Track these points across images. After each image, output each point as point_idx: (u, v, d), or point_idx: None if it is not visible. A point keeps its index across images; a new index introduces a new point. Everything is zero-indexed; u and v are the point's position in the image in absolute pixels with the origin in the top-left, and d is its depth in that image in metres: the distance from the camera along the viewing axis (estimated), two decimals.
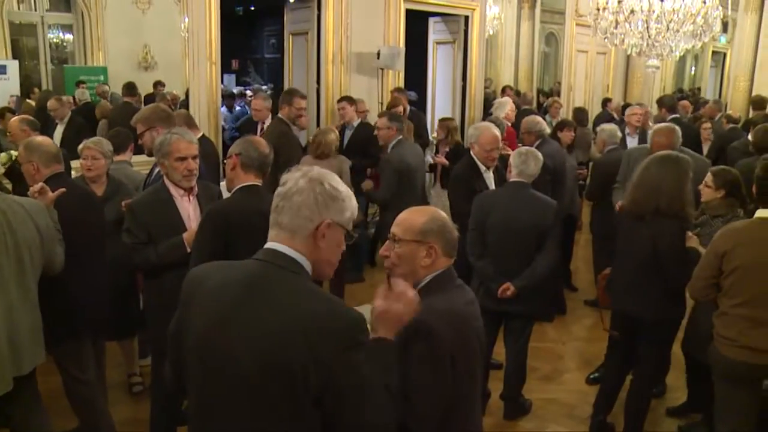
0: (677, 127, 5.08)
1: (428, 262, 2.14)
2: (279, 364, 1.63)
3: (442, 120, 7.27)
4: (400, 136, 5.83)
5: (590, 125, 9.51)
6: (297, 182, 1.80)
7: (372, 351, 1.79)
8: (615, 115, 10.48)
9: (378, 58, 8.25)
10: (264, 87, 16.18)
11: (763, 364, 3.19)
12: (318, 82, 8.20)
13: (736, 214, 3.92)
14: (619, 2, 7.78)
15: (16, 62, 10.59)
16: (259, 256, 1.80)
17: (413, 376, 1.95)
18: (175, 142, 3.45)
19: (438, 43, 10.46)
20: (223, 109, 9.59)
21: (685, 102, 11.16)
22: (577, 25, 12.69)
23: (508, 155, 4.63)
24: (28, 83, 11.06)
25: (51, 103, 7.78)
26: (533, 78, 14.55)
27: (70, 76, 11.13)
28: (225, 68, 10.34)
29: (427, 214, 2.20)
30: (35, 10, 11.84)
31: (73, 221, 3.43)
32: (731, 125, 8.95)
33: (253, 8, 17.52)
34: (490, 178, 4.96)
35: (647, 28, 7.78)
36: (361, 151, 6.74)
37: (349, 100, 7.23)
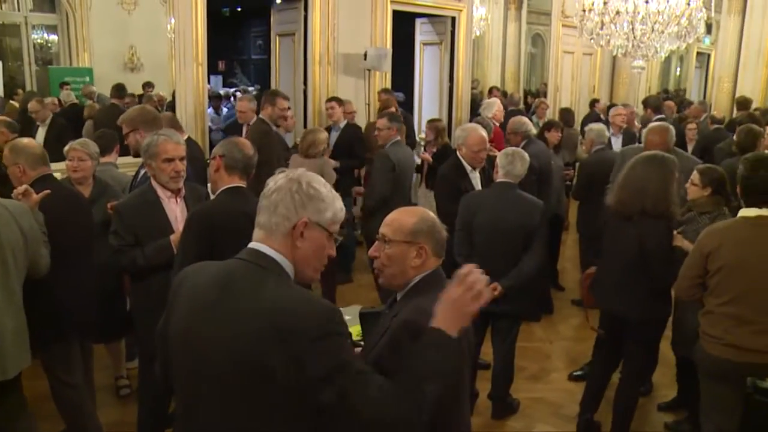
0: (671, 127, 5.14)
1: (418, 262, 2.14)
2: (253, 363, 1.62)
3: (430, 121, 7.29)
4: (398, 137, 5.84)
5: (577, 126, 9.57)
6: (277, 182, 1.82)
7: (424, 342, 1.75)
8: (602, 116, 10.55)
9: (365, 59, 8.25)
10: (251, 88, 16.13)
11: (748, 362, 3.22)
12: (305, 84, 8.19)
13: (722, 211, 3.96)
14: (605, 4, 7.84)
15: (0, 63, 10.50)
16: (240, 256, 1.80)
17: None
18: (163, 143, 3.43)
19: (425, 44, 10.48)
20: (210, 111, 9.56)
21: (669, 102, 11.25)
22: (564, 26, 12.73)
23: (495, 156, 4.65)
24: (12, 85, 10.95)
25: (32, 105, 7.67)
26: (520, 79, 14.60)
27: (55, 77, 11.04)
28: (211, 69, 10.32)
29: (416, 215, 2.20)
30: (18, 10, 11.73)
31: (61, 223, 3.41)
32: (716, 126, 9.04)
33: (239, 9, 17.49)
34: (476, 178, 4.98)
35: (632, 29, 7.85)
36: (347, 152, 6.75)
37: (338, 100, 7.25)
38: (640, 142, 7.14)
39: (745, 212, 3.27)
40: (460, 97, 10.10)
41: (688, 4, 7.78)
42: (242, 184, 3.24)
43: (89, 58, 11.73)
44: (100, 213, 3.93)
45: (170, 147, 3.44)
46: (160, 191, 3.49)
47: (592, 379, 4.33)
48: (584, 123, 9.58)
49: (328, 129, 7.00)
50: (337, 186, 3.94)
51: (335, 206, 1.86)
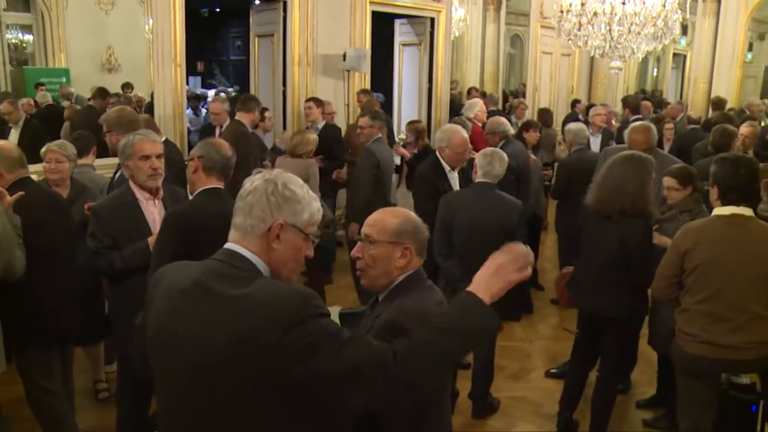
0: (653, 125, 5.30)
1: (403, 263, 2.15)
2: (234, 362, 1.62)
3: (410, 123, 7.31)
4: (380, 134, 5.84)
5: (557, 126, 9.63)
6: (253, 183, 1.81)
7: (453, 304, 1.82)
8: (580, 116, 10.64)
9: (344, 60, 8.25)
10: (230, 89, 16.07)
11: (723, 359, 3.27)
12: (284, 85, 8.17)
13: (701, 209, 4.01)
14: (583, 5, 7.92)
15: None
16: (216, 257, 1.80)
17: None
18: (138, 142, 3.41)
19: (404, 44, 10.50)
20: (189, 112, 9.50)
21: (646, 102, 11.36)
22: (542, 27, 12.83)
23: (473, 157, 4.67)
24: None
25: (4, 107, 7.54)
26: (499, 79, 14.65)
27: (31, 77, 10.89)
28: (190, 70, 10.25)
29: (400, 215, 2.20)
30: None
31: (40, 225, 3.37)
32: (692, 126, 9.14)
33: (218, 10, 17.37)
34: (454, 178, 4.99)
35: (609, 30, 7.94)
36: (326, 153, 6.74)
37: (317, 101, 7.24)
38: (618, 142, 7.24)
39: (719, 211, 3.31)
40: (439, 98, 10.13)
41: (664, 6, 7.88)
42: (220, 185, 3.22)
43: (66, 59, 11.58)
44: (77, 215, 3.88)
45: (146, 145, 3.41)
46: (138, 193, 3.46)
47: (570, 377, 4.36)
48: (565, 123, 9.66)
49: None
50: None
51: (312, 207, 1.84)
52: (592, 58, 13.54)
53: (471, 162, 4.68)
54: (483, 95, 11.82)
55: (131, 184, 3.48)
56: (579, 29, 8.09)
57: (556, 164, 7.34)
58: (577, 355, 4.35)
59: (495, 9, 14.49)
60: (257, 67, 8.74)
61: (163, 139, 4.77)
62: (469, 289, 1.84)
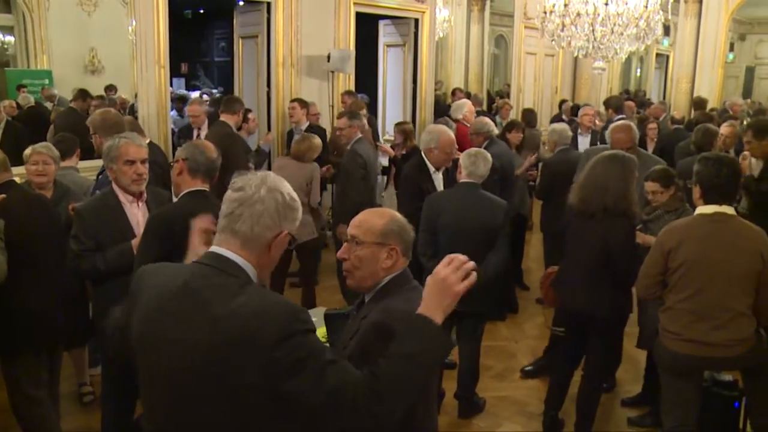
0: (633, 124, 5.36)
1: (389, 263, 2.15)
2: (220, 367, 1.62)
3: (398, 124, 7.31)
4: (360, 134, 5.83)
5: (541, 127, 9.67)
6: (258, 190, 1.78)
7: (406, 330, 1.76)
8: (564, 116, 10.71)
9: (328, 61, 8.23)
10: (214, 90, 16.02)
11: (707, 356, 3.30)
12: (268, 86, 8.14)
13: (686, 208, 4.05)
14: (566, 5, 7.95)
15: None
16: (204, 260, 1.79)
17: None
18: (124, 146, 3.39)
19: (388, 45, 10.49)
20: (173, 113, 9.46)
21: (629, 102, 11.44)
22: (526, 27, 12.86)
23: (458, 157, 4.68)
24: None
25: None
26: (483, 80, 14.71)
27: (13, 79, 10.80)
28: (174, 72, 10.16)
29: (386, 216, 2.21)
30: None
31: (26, 228, 3.35)
32: (675, 126, 9.22)
33: (202, 11, 17.32)
34: (438, 179, 5.00)
35: (593, 31, 7.98)
36: None
37: (301, 102, 7.22)
38: (601, 142, 7.29)
39: (702, 209, 3.34)
40: (423, 99, 10.14)
41: (646, 7, 7.93)
42: (205, 187, 3.21)
43: (48, 60, 11.48)
44: (62, 217, 3.86)
45: (132, 150, 3.39)
46: (121, 195, 3.44)
47: (555, 376, 4.39)
48: (552, 123, 9.71)
49: (290, 131, 6.97)
50: None
51: (300, 213, 1.88)
52: (576, 59, 13.61)
53: (455, 162, 4.69)
54: (468, 96, 11.87)
55: (114, 186, 3.46)
56: (562, 30, 8.13)
57: (540, 164, 7.36)
58: (562, 354, 4.37)
59: (479, 10, 14.56)
60: (241, 69, 8.72)
61: (147, 141, 4.76)
62: (419, 311, 1.80)
